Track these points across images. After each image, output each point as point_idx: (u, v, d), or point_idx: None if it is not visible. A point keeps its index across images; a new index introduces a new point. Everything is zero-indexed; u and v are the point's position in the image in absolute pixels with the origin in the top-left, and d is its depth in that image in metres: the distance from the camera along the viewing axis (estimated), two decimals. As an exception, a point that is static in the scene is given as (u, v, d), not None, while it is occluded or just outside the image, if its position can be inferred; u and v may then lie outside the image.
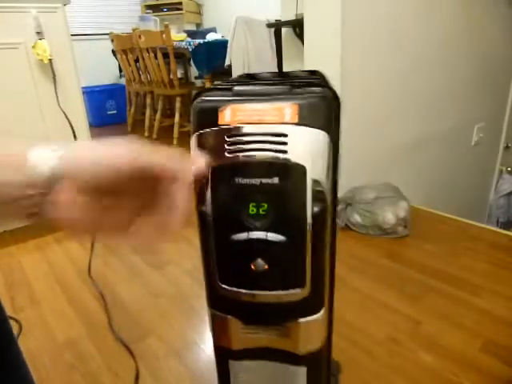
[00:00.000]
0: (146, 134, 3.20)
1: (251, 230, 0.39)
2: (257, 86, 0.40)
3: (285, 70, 2.14)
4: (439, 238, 1.33)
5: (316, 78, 0.45)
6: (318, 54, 1.39)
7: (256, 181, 0.37)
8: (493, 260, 1.19)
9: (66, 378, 0.83)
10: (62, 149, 0.31)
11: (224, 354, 0.49)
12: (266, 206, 0.38)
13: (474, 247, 1.27)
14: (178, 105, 2.89)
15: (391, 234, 1.33)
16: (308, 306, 0.43)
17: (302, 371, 0.48)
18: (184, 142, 2.84)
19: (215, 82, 0.45)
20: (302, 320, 0.43)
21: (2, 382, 0.42)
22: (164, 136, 3.12)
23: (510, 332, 0.89)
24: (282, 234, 0.38)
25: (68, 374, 0.83)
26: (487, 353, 0.83)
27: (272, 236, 0.38)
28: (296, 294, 0.41)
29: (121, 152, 0.31)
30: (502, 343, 0.85)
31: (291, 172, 0.37)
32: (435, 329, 0.91)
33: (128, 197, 0.33)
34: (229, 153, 0.37)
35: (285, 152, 0.36)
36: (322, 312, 0.44)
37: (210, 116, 0.38)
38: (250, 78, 0.48)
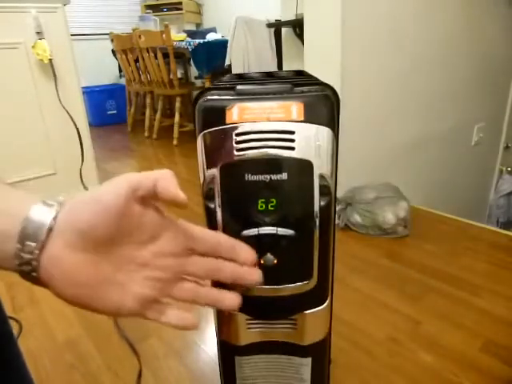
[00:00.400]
0: (146, 134, 3.20)
1: (261, 225, 0.40)
2: (258, 85, 0.40)
3: (285, 69, 2.14)
4: (439, 238, 1.33)
5: (308, 78, 0.46)
6: (318, 54, 1.39)
7: (266, 177, 0.38)
8: (493, 260, 1.19)
9: (66, 378, 0.83)
10: (58, 205, 0.30)
11: (230, 351, 0.50)
12: (274, 201, 0.39)
13: (474, 247, 1.27)
14: (177, 105, 2.89)
15: (391, 234, 1.33)
16: (314, 298, 0.45)
17: (306, 362, 0.49)
18: (184, 141, 2.85)
19: (215, 82, 0.46)
20: (308, 312, 0.45)
21: (2, 383, 0.42)
22: (164, 136, 3.12)
23: (510, 332, 0.89)
24: (291, 228, 0.40)
25: (68, 374, 0.83)
26: (487, 353, 0.83)
27: (282, 231, 0.39)
28: (303, 286, 0.42)
29: (115, 184, 0.30)
30: (502, 343, 0.85)
31: (299, 168, 0.38)
32: (435, 329, 0.91)
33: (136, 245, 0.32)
34: (237, 150, 0.38)
35: (292, 149, 0.38)
36: (326, 303, 0.45)
37: (215, 115, 0.38)
38: (238, 78, 0.48)
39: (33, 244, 0.28)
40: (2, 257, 0.28)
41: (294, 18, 1.92)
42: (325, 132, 0.38)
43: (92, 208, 0.29)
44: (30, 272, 0.29)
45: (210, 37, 3.08)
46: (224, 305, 0.35)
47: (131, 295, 0.31)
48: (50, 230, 0.28)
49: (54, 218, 0.29)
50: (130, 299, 0.31)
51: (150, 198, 0.32)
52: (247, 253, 0.35)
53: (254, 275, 0.35)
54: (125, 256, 0.31)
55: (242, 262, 0.35)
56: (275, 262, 0.40)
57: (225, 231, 0.40)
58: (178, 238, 0.33)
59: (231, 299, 0.35)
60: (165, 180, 0.31)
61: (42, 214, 0.29)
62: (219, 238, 0.35)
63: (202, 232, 0.35)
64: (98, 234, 0.29)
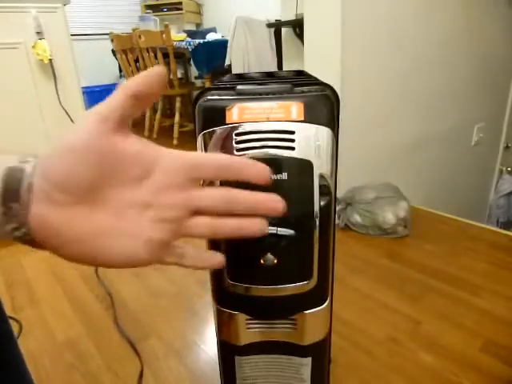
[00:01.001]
0: (146, 133, 3.20)
1: None
2: (258, 85, 0.41)
3: (285, 69, 2.14)
4: (439, 238, 1.33)
5: (308, 78, 0.46)
6: (318, 54, 1.39)
7: None
8: (493, 260, 1.19)
9: (66, 377, 0.83)
10: (35, 160, 0.27)
11: (230, 351, 0.50)
12: None
13: (474, 247, 1.27)
14: (178, 105, 2.89)
15: (391, 234, 1.33)
16: (314, 298, 0.45)
17: (306, 362, 0.49)
18: (184, 141, 2.85)
19: (215, 82, 0.46)
20: (308, 312, 0.45)
21: (2, 382, 0.42)
22: (164, 136, 3.12)
23: (510, 332, 0.89)
24: (291, 228, 0.40)
25: (68, 374, 0.83)
26: (487, 353, 0.83)
27: (282, 230, 0.39)
28: (303, 286, 0.43)
29: (82, 121, 0.27)
30: (502, 343, 0.85)
31: (299, 168, 0.38)
32: (435, 329, 0.91)
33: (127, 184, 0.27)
34: (237, 150, 0.38)
35: (292, 149, 0.38)
36: (326, 303, 0.45)
37: (215, 115, 0.38)
38: (238, 78, 0.48)
39: (16, 205, 0.25)
40: None
41: (294, 17, 1.92)
42: (325, 132, 0.38)
43: (62, 154, 0.26)
44: (23, 236, 0.26)
45: (210, 37, 3.08)
46: (252, 229, 0.30)
47: (142, 242, 0.28)
48: (30, 189, 0.25)
49: (32, 175, 0.26)
50: (142, 247, 0.28)
51: (127, 119, 0.28)
52: (260, 167, 0.29)
53: (278, 202, 0.29)
54: (121, 200, 0.27)
55: (254, 178, 0.29)
56: (275, 261, 0.40)
57: None
58: (175, 167, 0.28)
59: (259, 222, 0.30)
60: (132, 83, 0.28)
61: (19, 173, 0.26)
62: (223, 160, 0.29)
63: (201, 156, 0.30)
64: (79, 182, 0.26)
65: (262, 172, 0.29)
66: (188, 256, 0.30)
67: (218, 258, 0.31)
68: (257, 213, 0.30)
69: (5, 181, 0.25)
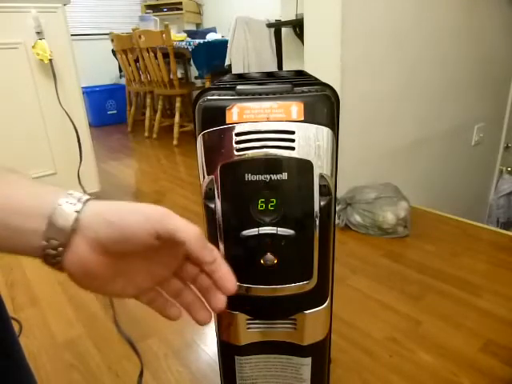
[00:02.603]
0: (146, 134, 3.20)
1: (260, 225, 0.40)
2: (258, 85, 0.40)
3: (285, 69, 2.14)
4: (439, 238, 1.33)
5: (308, 78, 0.46)
6: (318, 54, 1.39)
7: (265, 177, 0.38)
8: (493, 260, 1.19)
9: (65, 377, 0.83)
10: (82, 204, 0.31)
11: (230, 351, 0.50)
12: (274, 201, 0.39)
13: (474, 247, 1.27)
14: (178, 105, 2.89)
15: (391, 234, 1.33)
16: (314, 298, 0.45)
17: (306, 362, 0.49)
18: (184, 141, 2.85)
19: (215, 82, 0.46)
20: (308, 312, 0.45)
21: (4, 377, 0.42)
22: (164, 136, 3.12)
23: (511, 332, 0.89)
24: (291, 228, 0.40)
25: (68, 374, 0.83)
26: (487, 353, 0.83)
27: (282, 230, 0.39)
28: (303, 286, 0.42)
29: (144, 215, 0.32)
30: (503, 343, 0.85)
31: (299, 168, 0.38)
32: (435, 329, 0.91)
33: (149, 261, 0.35)
34: (237, 150, 0.38)
35: (292, 148, 0.38)
36: (326, 303, 0.45)
37: (215, 115, 0.38)
38: (238, 78, 0.48)
39: (56, 242, 0.30)
40: (30, 251, 0.31)
41: (294, 18, 1.92)
42: (325, 132, 0.38)
43: (118, 227, 0.31)
44: (53, 264, 0.32)
45: (210, 37, 3.08)
46: (196, 316, 0.36)
47: (133, 285, 0.35)
48: (74, 230, 0.31)
49: (77, 220, 0.31)
50: (132, 288, 0.35)
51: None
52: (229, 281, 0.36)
53: (220, 299, 0.35)
54: (139, 256, 0.34)
55: (221, 286, 0.35)
56: (275, 261, 0.40)
57: (225, 231, 0.40)
58: (176, 249, 0.34)
59: (206, 316, 0.36)
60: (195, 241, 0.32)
61: (65, 215, 0.30)
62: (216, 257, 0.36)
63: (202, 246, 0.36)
64: (119, 249, 0.32)
65: (230, 286, 0.35)
66: (157, 303, 0.37)
67: (175, 313, 0.37)
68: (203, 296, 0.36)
69: (51, 220, 0.30)
